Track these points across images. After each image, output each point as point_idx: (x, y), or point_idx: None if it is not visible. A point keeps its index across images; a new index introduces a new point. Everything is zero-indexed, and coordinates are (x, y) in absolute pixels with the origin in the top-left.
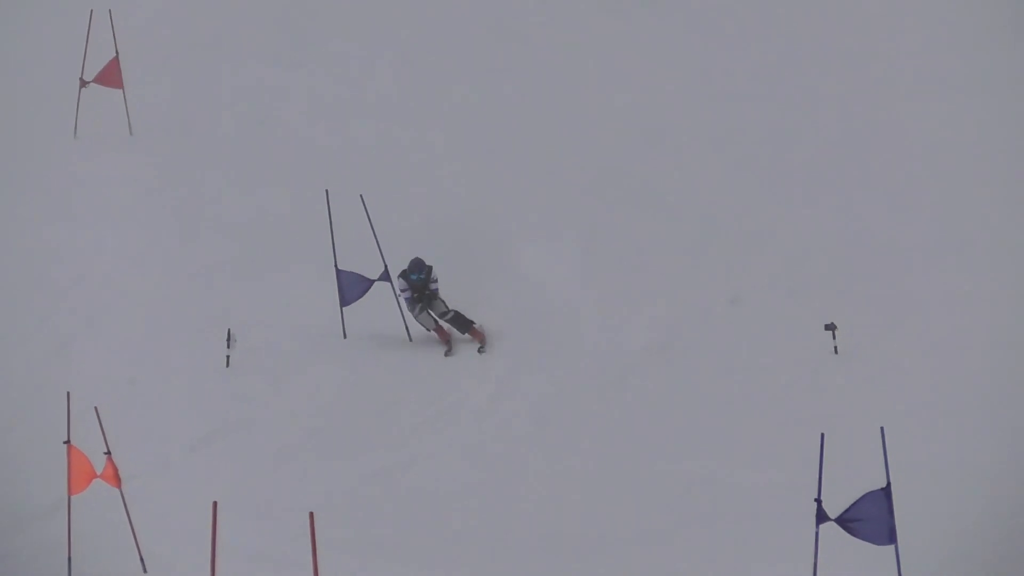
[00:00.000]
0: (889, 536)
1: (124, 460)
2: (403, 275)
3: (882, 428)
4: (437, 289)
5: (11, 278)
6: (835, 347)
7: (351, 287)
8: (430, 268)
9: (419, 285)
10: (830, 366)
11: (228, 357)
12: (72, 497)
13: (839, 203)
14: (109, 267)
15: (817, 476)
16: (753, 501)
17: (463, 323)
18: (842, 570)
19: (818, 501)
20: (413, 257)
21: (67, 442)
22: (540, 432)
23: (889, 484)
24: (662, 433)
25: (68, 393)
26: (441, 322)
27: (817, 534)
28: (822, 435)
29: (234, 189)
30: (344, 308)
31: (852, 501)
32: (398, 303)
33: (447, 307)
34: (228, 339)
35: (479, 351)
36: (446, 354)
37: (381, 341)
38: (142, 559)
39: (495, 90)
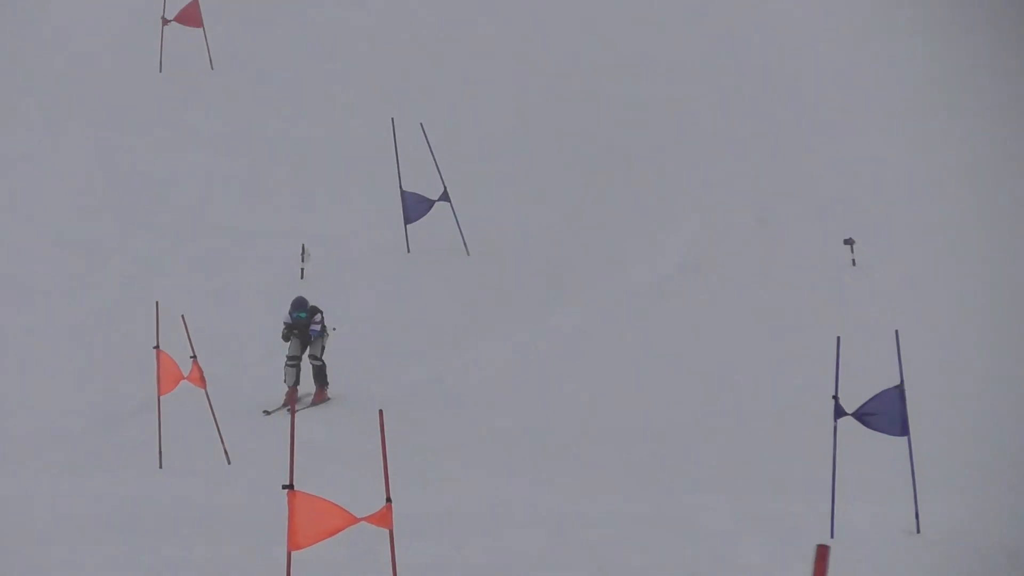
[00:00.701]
0: (902, 428)
1: (208, 364)
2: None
3: (896, 331)
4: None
5: (105, 200)
6: (853, 260)
7: (414, 206)
8: (314, 308)
9: (300, 323)
10: (848, 277)
11: (303, 270)
12: (161, 397)
13: (857, 131)
14: (193, 190)
15: (834, 376)
16: (777, 400)
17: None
18: (859, 468)
19: (835, 398)
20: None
21: (156, 347)
22: (587, 339)
23: (903, 382)
24: (697, 340)
25: (157, 302)
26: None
27: (836, 428)
28: (838, 338)
29: (306, 118)
30: (408, 225)
31: (868, 398)
32: (456, 220)
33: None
34: (303, 254)
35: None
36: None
37: (441, 255)
38: (226, 452)
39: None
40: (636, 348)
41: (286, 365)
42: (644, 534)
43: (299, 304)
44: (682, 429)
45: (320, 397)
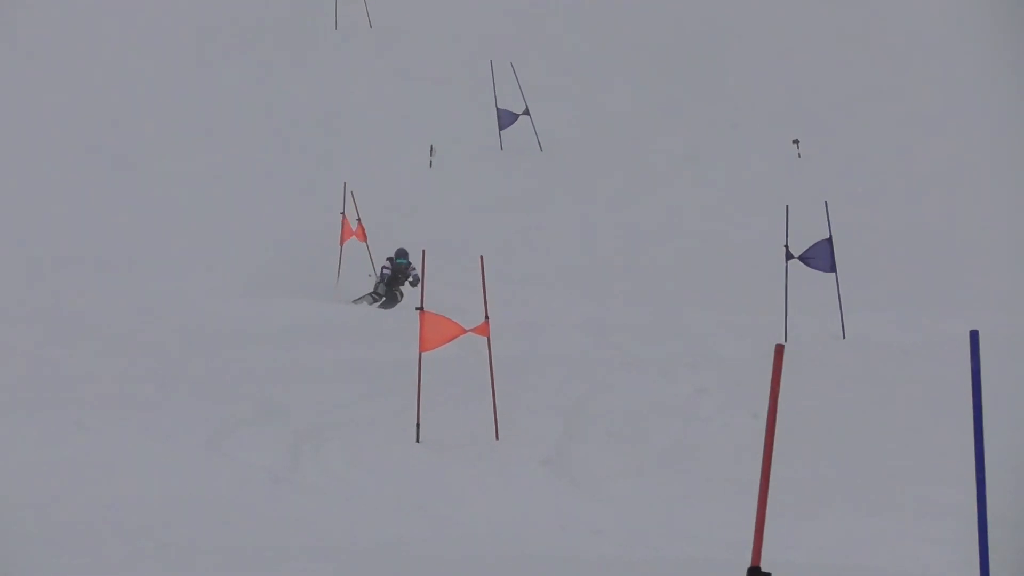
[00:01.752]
0: (831, 267)
1: None
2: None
3: (826, 202)
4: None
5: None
6: (799, 154)
7: (506, 118)
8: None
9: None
10: (796, 167)
11: (431, 161)
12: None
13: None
14: (356, 108)
15: (785, 232)
16: (740, 247)
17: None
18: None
19: (786, 247)
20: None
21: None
22: (622, 206)
23: (831, 236)
24: (694, 212)
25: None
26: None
27: (787, 267)
28: (787, 206)
29: (433, 62)
30: (501, 131)
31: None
32: (533, 128)
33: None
34: (431, 151)
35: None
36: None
37: (524, 151)
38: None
39: None
40: (654, 211)
41: (370, 294)
42: (651, 335)
43: (403, 252)
44: (681, 269)
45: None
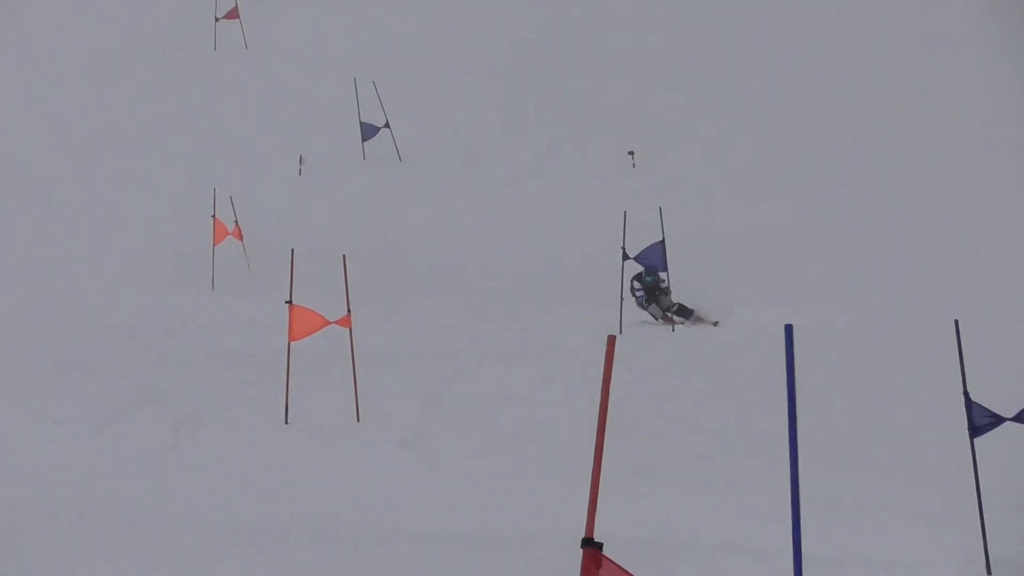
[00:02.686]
0: (664, 267)
1: None
2: (637, 278)
3: (660, 208)
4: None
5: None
6: (633, 164)
7: (368, 130)
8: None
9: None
10: (632, 176)
11: (300, 169)
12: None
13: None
14: (233, 122)
15: (623, 235)
16: (582, 250)
17: (685, 311)
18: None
19: (623, 248)
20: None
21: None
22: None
23: (664, 239)
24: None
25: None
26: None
27: (623, 267)
28: (624, 212)
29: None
30: (364, 143)
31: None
32: (393, 140)
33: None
34: (300, 160)
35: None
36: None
37: (383, 161)
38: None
39: None
40: (503, 215)
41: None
42: (503, 329)
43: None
44: (531, 269)
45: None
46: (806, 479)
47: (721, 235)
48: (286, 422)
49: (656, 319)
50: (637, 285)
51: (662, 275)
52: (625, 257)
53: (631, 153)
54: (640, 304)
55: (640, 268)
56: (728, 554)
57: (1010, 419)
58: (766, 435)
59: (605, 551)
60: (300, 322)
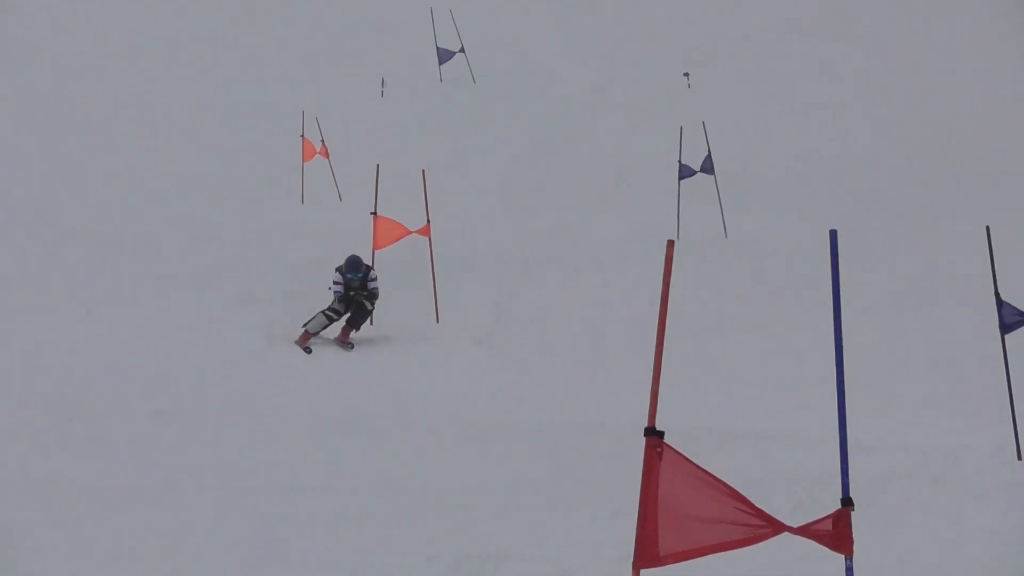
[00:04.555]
0: (711, 170)
1: None
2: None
3: (703, 122)
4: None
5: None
6: (688, 84)
7: (444, 55)
8: (367, 266)
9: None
10: (686, 96)
11: (383, 92)
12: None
13: None
14: (319, 50)
15: (679, 149)
16: (641, 162)
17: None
18: None
19: (679, 161)
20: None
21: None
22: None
23: (710, 150)
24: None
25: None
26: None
27: (679, 181)
28: (680, 128)
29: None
30: (440, 66)
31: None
32: (468, 64)
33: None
34: (382, 83)
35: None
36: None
37: (459, 82)
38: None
39: None
40: (569, 133)
41: (324, 312)
42: (568, 237)
43: (354, 264)
44: (592, 182)
45: (344, 336)
46: (851, 374)
47: (765, 154)
48: (371, 324)
49: (324, 318)
50: (336, 277)
51: (372, 275)
52: (683, 171)
53: (686, 74)
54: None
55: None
56: (780, 442)
57: None
58: (813, 334)
59: (666, 439)
60: (383, 231)
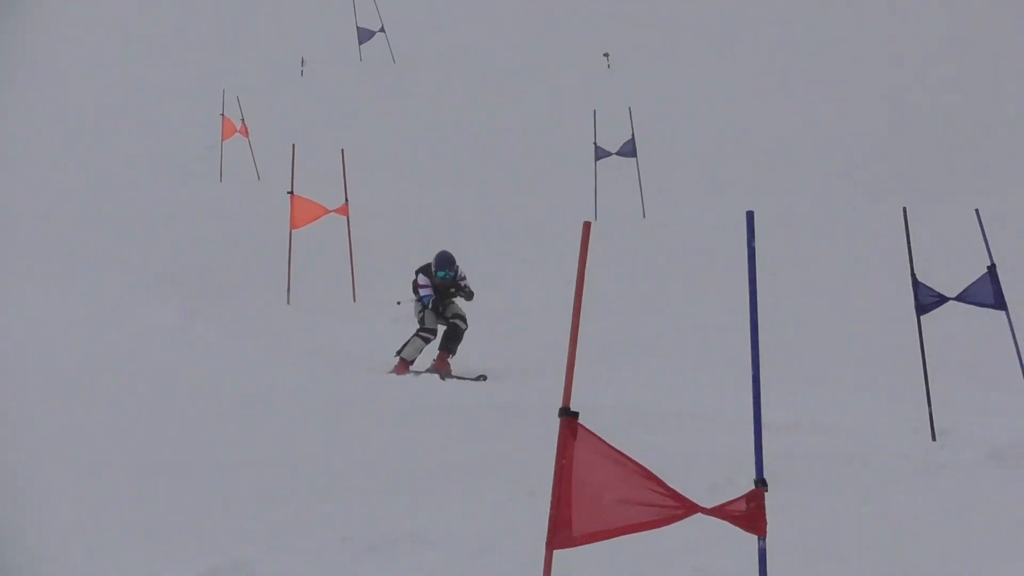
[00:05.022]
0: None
1: None
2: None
3: (630, 108)
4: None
5: None
6: (608, 65)
7: (364, 34)
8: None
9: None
10: (606, 77)
11: (302, 71)
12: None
13: None
14: (238, 30)
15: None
16: (557, 144)
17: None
18: None
19: (595, 143)
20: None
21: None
22: None
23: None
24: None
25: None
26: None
27: (596, 162)
28: (594, 111)
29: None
30: (360, 45)
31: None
32: (388, 44)
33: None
34: (302, 62)
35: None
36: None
37: (378, 64)
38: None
39: None
40: (488, 111)
41: (418, 335)
42: (486, 216)
43: (447, 260)
44: (510, 160)
45: (443, 365)
46: (767, 354)
47: (688, 132)
48: (288, 303)
49: (421, 342)
50: (423, 280)
51: (462, 273)
52: (599, 152)
53: (606, 55)
54: (420, 313)
55: (427, 260)
56: (696, 422)
57: (953, 298)
58: (731, 315)
59: (581, 420)
60: (301, 211)
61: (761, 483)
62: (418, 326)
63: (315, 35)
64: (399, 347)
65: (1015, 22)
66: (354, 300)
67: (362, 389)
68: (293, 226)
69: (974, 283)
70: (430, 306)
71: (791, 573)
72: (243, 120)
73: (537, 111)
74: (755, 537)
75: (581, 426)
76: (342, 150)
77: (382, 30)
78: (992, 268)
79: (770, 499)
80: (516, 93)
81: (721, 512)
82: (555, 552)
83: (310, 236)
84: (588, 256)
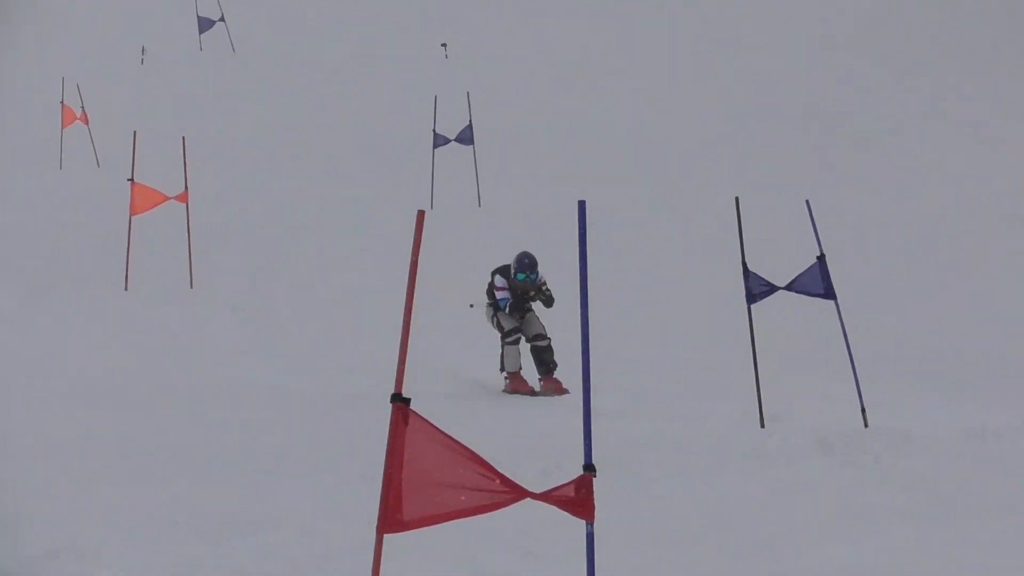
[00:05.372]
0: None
1: None
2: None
3: (468, 93)
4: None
5: None
6: (446, 55)
7: (204, 23)
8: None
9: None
10: (444, 66)
11: (142, 60)
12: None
13: None
14: (79, 17)
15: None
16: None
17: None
18: None
19: (434, 131)
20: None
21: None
22: None
23: (822, 254)
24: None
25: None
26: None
27: (434, 150)
28: (435, 97)
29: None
30: (201, 35)
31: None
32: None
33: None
34: (142, 51)
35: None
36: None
37: (218, 53)
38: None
39: None
40: (328, 100)
41: (506, 343)
42: (324, 204)
43: (530, 262)
44: (344, 150)
45: (556, 385)
46: (599, 342)
47: (523, 119)
48: (126, 289)
49: (513, 348)
50: (500, 282)
51: (542, 278)
52: (437, 140)
53: (444, 45)
54: (494, 317)
55: (505, 262)
56: (528, 407)
57: (783, 288)
58: (564, 302)
59: (413, 406)
60: (141, 197)
61: (590, 468)
62: (499, 334)
63: (155, 24)
64: (499, 364)
65: (847, 15)
66: (191, 287)
67: (196, 375)
68: (133, 212)
69: (804, 272)
70: (506, 310)
71: (618, 557)
72: (83, 108)
73: (375, 100)
74: (583, 522)
75: (413, 412)
76: (183, 138)
77: (222, 19)
78: (821, 258)
79: (599, 484)
80: (354, 82)
81: (550, 497)
82: (386, 536)
83: (149, 223)
84: (422, 244)
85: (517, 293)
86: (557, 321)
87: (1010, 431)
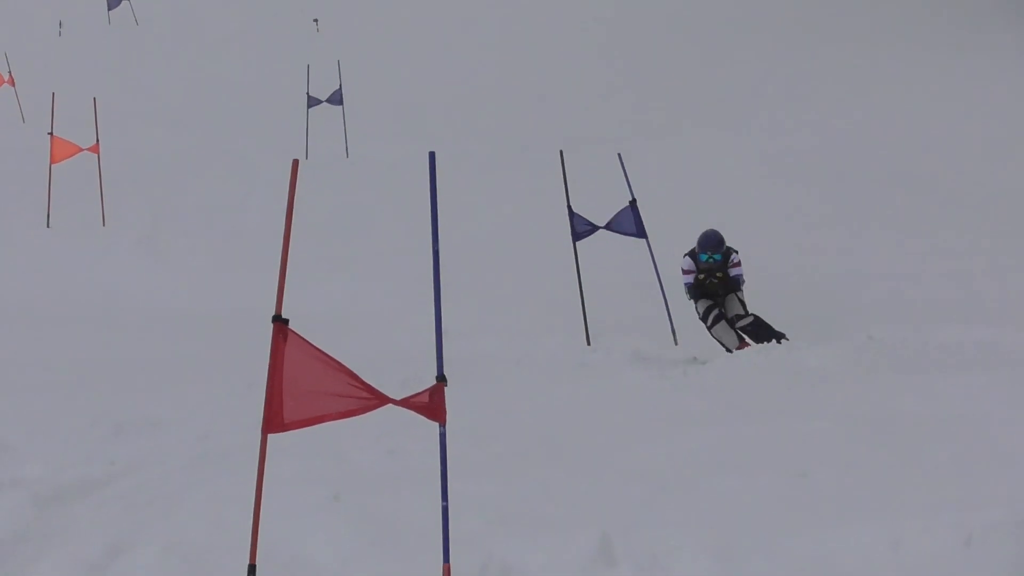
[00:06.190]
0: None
1: None
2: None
3: (339, 61)
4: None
5: None
6: (317, 29)
7: (112, 1)
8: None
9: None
10: (316, 39)
11: (60, 32)
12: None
13: None
14: None
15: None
16: (267, 90)
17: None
18: None
19: (307, 93)
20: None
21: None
22: None
23: (634, 199)
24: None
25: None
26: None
27: (308, 111)
28: (308, 66)
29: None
30: (109, 11)
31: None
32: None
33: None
34: (59, 25)
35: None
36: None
37: (124, 27)
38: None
39: None
40: (207, 62)
41: (710, 329)
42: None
43: (714, 241)
44: (232, 117)
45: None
46: (449, 271)
47: (384, 81)
48: (48, 226)
49: (721, 326)
50: (688, 264)
51: (735, 257)
52: (311, 101)
53: (316, 20)
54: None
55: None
56: (390, 327)
57: (602, 227)
58: (417, 239)
59: (291, 325)
60: (59, 149)
61: (442, 379)
62: (705, 325)
63: (71, 2)
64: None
65: None
66: (103, 224)
67: (107, 299)
68: (52, 161)
69: (618, 214)
70: (688, 294)
71: (466, 453)
72: (10, 72)
73: (259, 68)
74: (436, 424)
75: (291, 331)
76: (94, 99)
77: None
78: (633, 202)
79: (450, 392)
80: (240, 52)
81: (408, 403)
82: (269, 436)
83: (67, 170)
84: (297, 189)
85: (701, 275)
86: (395, 248)
87: (796, 348)
